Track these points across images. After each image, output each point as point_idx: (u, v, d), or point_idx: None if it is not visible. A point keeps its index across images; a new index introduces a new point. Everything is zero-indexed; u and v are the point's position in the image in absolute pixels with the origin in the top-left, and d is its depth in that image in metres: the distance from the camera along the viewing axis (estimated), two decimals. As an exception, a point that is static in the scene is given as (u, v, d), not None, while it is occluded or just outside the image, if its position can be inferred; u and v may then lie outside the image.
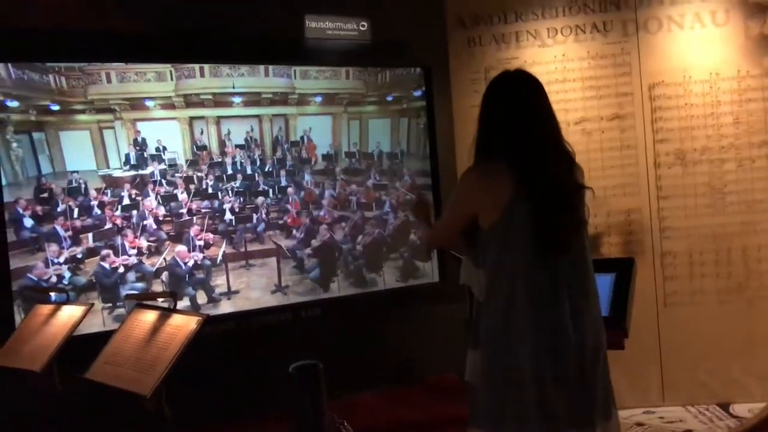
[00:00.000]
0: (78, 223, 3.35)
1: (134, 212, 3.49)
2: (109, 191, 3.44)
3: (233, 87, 3.78)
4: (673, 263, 4.01)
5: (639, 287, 3.24)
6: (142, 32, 3.47)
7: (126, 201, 3.48)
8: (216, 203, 3.72)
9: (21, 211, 3.21)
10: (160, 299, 2.81)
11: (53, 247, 3.27)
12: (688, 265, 3.99)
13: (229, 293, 3.70)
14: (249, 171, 3.84)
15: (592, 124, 4.05)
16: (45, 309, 2.88)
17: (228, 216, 3.75)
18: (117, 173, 3.48)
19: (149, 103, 3.56)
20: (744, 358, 3.93)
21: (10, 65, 3.19)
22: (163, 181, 3.59)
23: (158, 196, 3.57)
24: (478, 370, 2.10)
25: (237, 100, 3.80)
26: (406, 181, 4.24)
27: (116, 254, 3.41)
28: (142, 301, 2.73)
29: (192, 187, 3.66)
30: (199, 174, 3.69)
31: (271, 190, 3.89)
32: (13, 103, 3.21)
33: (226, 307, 3.67)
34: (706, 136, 3.98)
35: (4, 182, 3.16)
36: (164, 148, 3.60)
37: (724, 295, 3.96)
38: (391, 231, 4.18)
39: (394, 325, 4.10)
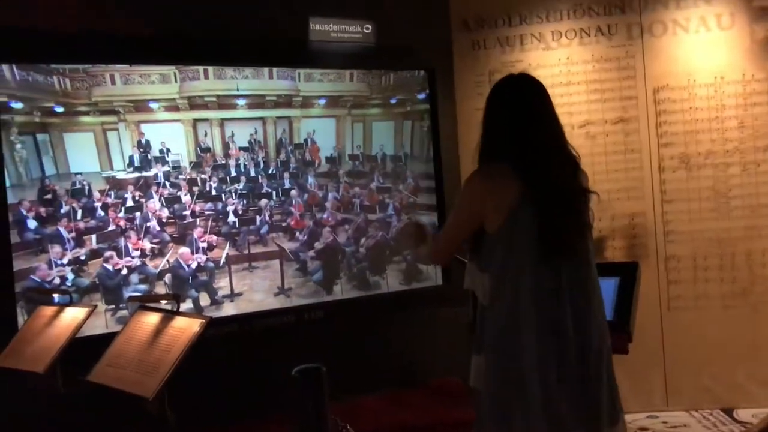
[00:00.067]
0: (81, 225, 3.35)
1: (138, 214, 3.49)
2: (112, 193, 3.44)
3: (237, 89, 3.78)
4: (677, 267, 4.00)
5: (642, 291, 3.22)
6: (146, 34, 3.47)
7: (129, 203, 3.48)
8: (219, 205, 3.72)
9: (24, 212, 3.21)
10: (163, 301, 2.80)
11: (56, 249, 3.27)
12: (692, 269, 3.98)
13: (232, 295, 3.69)
14: (252, 173, 3.84)
15: (596, 127, 4.05)
16: (48, 310, 2.88)
17: (231, 218, 3.75)
18: (121, 175, 3.48)
19: (153, 105, 3.56)
20: (748, 363, 3.91)
21: (14, 66, 3.19)
22: (167, 183, 3.59)
23: (162, 198, 3.57)
24: (482, 375, 2.10)
25: (241, 102, 3.80)
26: (410, 184, 4.24)
27: (119, 256, 3.41)
28: (145, 303, 2.72)
29: (195, 189, 3.66)
30: (202, 176, 3.69)
31: (274, 193, 3.89)
32: (18, 105, 3.21)
33: (229, 310, 3.67)
34: (711, 140, 3.97)
35: (8, 183, 3.16)
36: (168, 150, 3.60)
37: (729, 299, 3.95)
38: (394, 234, 4.17)
39: (397, 328, 4.09)
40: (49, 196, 3.28)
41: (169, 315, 2.54)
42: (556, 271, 2.04)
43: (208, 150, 3.72)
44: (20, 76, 3.22)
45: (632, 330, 2.87)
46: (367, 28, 4.09)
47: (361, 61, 4.08)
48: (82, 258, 3.34)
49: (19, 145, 3.22)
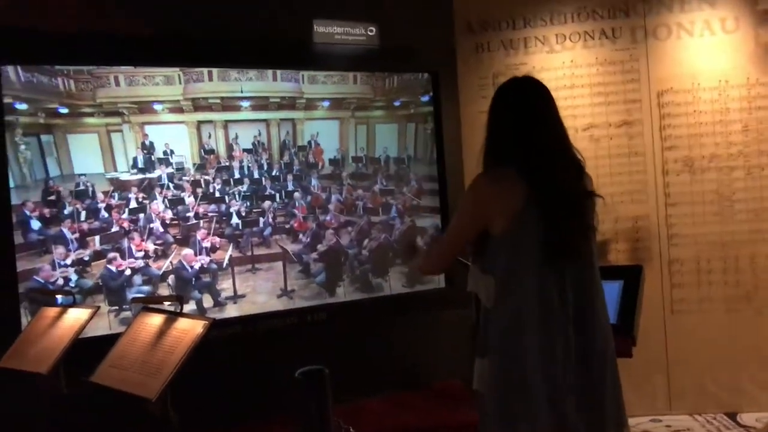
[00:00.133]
0: (85, 226, 3.36)
1: (141, 215, 3.50)
2: (116, 194, 3.45)
3: (241, 91, 3.78)
4: (680, 271, 3.99)
5: (646, 294, 3.21)
6: (150, 36, 3.48)
7: (133, 204, 3.48)
8: (223, 207, 3.72)
9: (28, 213, 3.22)
10: (166, 303, 2.80)
11: (60, 250, 3.28)
12: (696, 272, 3.98)
13: (235, 297, 3.70)
14: (256, 175, 3.84)
15: (600, 130, 4.04)
16: (51, 311, 2.88)
17: (235, 220, 3.75)
18: (124, 176, 3.48)
19: (157, 107, 3.57)
20: (752, 366, 3.90)
21: (19, 68, 3.20)
22: (171, 185, 3.60)
23: (165, 200, 3.57)
24: (486, 378, 2.09)
25: (245, 104, 3.81)
26: (413, 187, 4.24)
27: (123, 257, 3.42)
28: (149, 304, 2.72)
29: (199, 190, 3.66)
30: (206, 178, 3.69)
31: (277, 195, 3.89)
32: (22, 106, 3.22)
33: (232, 311, 3.67)
34: (715, 143, 3.96)
35: (12, 184, 3.17)
36: (172, 152, 3.60)
37: (732, 303, 3.94)
38: (397, 236, 4.17)
39: (400, 330, 4.09)
40: (52, 197, 3.28)
41: (172, 316, 2.53)
42: (560, 273, 2.03)
43: (211, 152, 3.72)
44: (25, 78, 3.23)
45: (636, 333, 2.87)
46: (371, 31, 4.09)
47: (364, 64, 4.09)
48: (86, 259, 3.34)
49: (23, 146, 3.22)
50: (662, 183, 4.00)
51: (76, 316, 2.78)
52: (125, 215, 3.46)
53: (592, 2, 4.08)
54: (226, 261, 3.69)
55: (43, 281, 3.22)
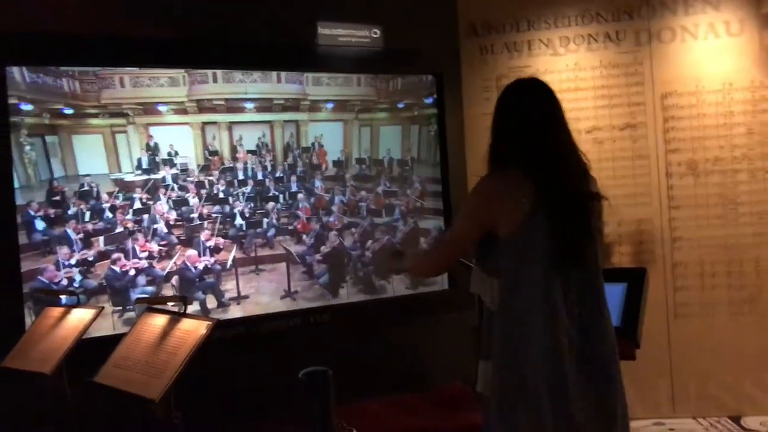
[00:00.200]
0: (89, 227, 3.36)
1: (145, 216, 3.50)
2: (120, 195, 3.45)
3: (245, 93, 3.79)
4: (684, 274, 3.98)
5: (649, 297, 3.22)
6: (155, 37, 3.48)
7: (137, 205, 3.49)
8: (227, 208, 3.73)
9: (33, 213, 3.23)
10: (170, 303, 2.81)
11: (64, 250, 3.28)
12: (700, 276, 3.97)
13: (239, 298, 3.70)
14: (260, 176, 3.84)
15: (603, 133, 4.05)
16: (55, 311, 2.89)
17: (238, 221, 3.75)
18: (129, 177, 3.49)
19: (162, 108, 3.58)
20: (756, 370, 3.90)
21: (24, 69, 3.21)
22: (175, 186, 3.60)
23: (169, 201, 3.58)
24: (490, 381, 2.08)
25: (249, 105, 3.81)
26: (417, 188, 4.24)
27: (127, 258, 3.42)
28: (152, 304, 2.72)
29: (203, 191, 3.67)
30: (210, 179, 3.70)
31: (281, 196, 3.90)
32: (27, 107, 3.23)
33: (235, 312, 3.67)
34: (719, 146, 3.96)
35: (16, 185, 3.18)
36: (176, 153, 3.61)
37: (736, 306, 3.93)
38: (400, 238, 4.18)
39: (402, 332, 4.09)
40: (57, 198, 3.29)
41: (176, 317, 2.54)
42: (566, 275, 2.03)
43: (216, 153, 3.73)
44: (30, 79, 3.24)
45: (640, 336, 2.86)
46: (375, 33, 4.10)
47: (368, 66, 4.09)
48: (90, 259, 3.35)
49: (28, 147, 3.23)
50: (666, 186, 4.00)
51: (79, 316, 2.78)
52: (129, 216, 3.46)
53: (596, 5, 4.09)
54: (229, 262, 3.69)
55: (47, 281, 3.22)
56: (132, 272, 3.43)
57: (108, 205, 3.42)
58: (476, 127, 4.07)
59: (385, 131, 4.20)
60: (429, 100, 4.26)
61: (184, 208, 3.61)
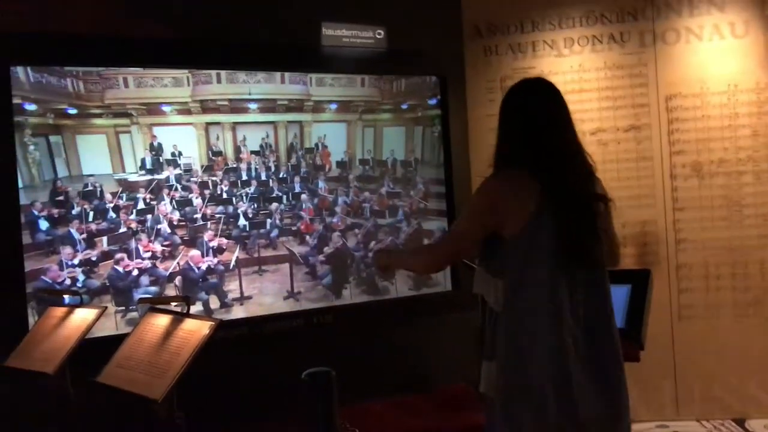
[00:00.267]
0: (93, 227, 3.37)
1: (149, 216, 3.50)
2: (124, 195, 3.46)
3: (249, 93, 3.79)
4: (688, 276, 3.97)
5: (653, 299, 3.20)
6: (159, 38, 3.49)
7: (141, 205, 3.49)
8: (230, 209, 3.73)
9: (36, 213, 3.23)
10: (173, 303, 2.81)
11: (68, 250, 3.29)
12: (704, 278, 3.96)
13: (242, 298, 3.70)
14: (263, 177, 3.84)
15: (608, 134, 4.04)
16: (58, 311, 2.89)
17: (242, 221, 3.75)
18: (132, 177, 3.49)
19: (166, 109, 3.58)
20: (760, 372, 3.88)
21: (28, 69, 3.22)
22: (178, 186, 3.61)
23: (173, 201, 3.58)
24: (494, 381, 2.07)
25: (253, 106, 3.82)
26: (420, 189, 4.24)
27: (130, 258, 3.42)
28: (156, 305, 2.72)
29: (207, 192, 3.67)
30: (214, 179, 3.70)
31: (285, 197, 3.90)
32: (31, 107, 3.23)
33: (238, 313, 3.67)
34: (724, 148, 3.95)
35: (20, 185, 3.18)
36: (180, 153, 3.61)
37: (741, 308, 3.92)
38: (404, 239, 4.17)
39: (406, 333, 4.08)
40: (61, 198, 3.29)
41: (179, 317, 2.54)
42: (571, 276, 2.02)
43: (219, 153, 3.73)
44: (34, 79, 3.24)
45: (644, 338, 2.85)
46: (379, 34, 4.10)
47: (372, 67, 4.09)
48: (93, 259, 3.35)
49: (32, 147, 3.24)
50: (670, 187, 3.99)
51: (83, 316, 2.78)
52: (133, 216, 3.47)
53: (601, 6, 4.08)
54: (233, 262, 3.69)
55: (50, 281, 3.22)
56: (135, 272, 3.43)
57: (111, 205, 3.42)
58: (480, 129, 4.07)
59: (388, 132, 4.19)
60: (433, 101, 4.26)
61: (187, 209, 3.61)
